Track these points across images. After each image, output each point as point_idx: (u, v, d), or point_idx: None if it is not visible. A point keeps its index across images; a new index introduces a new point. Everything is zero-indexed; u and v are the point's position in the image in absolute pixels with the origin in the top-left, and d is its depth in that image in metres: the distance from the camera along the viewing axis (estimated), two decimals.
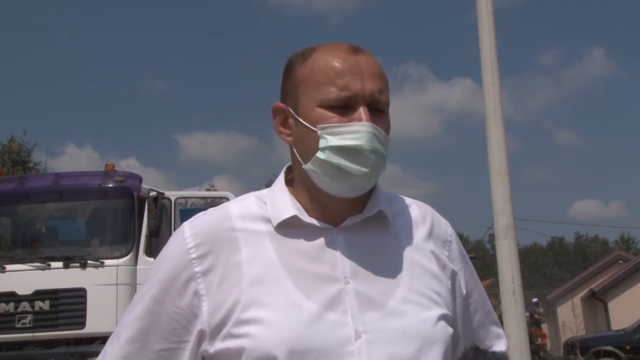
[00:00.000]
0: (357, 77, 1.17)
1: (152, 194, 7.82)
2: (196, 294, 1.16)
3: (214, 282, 1.16)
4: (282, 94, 1.27)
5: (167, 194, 8.15)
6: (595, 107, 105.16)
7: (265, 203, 1.24)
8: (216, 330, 1.14)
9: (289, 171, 1.29)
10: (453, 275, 1.29)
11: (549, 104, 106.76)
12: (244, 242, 1.19)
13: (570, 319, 18.33)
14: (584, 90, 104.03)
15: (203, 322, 1.15)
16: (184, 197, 9.17)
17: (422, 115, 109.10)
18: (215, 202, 10.59)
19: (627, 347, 14.67)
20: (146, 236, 7.48)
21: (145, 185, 7.85)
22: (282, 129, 1.25)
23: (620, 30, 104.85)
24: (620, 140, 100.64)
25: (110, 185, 7.58)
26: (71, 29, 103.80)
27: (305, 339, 1.09)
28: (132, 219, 7.51)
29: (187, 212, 8.13)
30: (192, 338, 1.16)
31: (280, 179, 1.28)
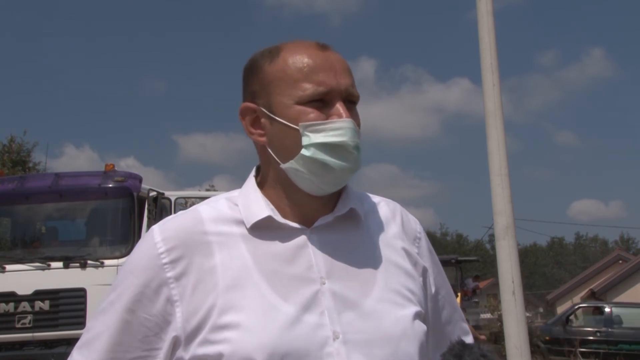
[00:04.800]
0: (330, 73, 1.17)
1: (152, 194, 7.82)
2: (169, 300, 1.14)
3: (188, 287, 1.13)
4: (248, 94, 1.24)
5: (167, 194, 8.15)
6: (594, 107, 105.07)
7: (237, 205, 1.22)
8: (191, 337, 1.12)
9: (257, 173, 1.27)
10: (424, 272, 1.29)
11: (548, 105, 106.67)
12: (217, 246, 1.16)
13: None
14: (583, 90, 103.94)
15: (177, 328, 1.13)
16: (184, 197, 9.16)
17: (421, 115, 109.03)
18: None
19: (547, 338, 15.43)
20: None
21: (145, 185, 7.85)
22: (253, 130, 1.23)
23: (620, 30, 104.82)
24: (620, 140, 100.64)
25: (110, 185, 7.58)
26: (71, 31, 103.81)
27: (284, 342, 1.08)
28: (132, 219, 7.50)
29: None
30: (165, 345, 1.14)
31: (251, 180, 1.26)
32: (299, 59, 1.18)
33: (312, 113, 1.16)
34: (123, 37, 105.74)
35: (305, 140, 1.15)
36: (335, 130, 1.15)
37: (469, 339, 1.39)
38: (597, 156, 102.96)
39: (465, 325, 1.43)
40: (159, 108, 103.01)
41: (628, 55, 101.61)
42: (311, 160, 1.15)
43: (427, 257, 1.32)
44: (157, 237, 1.18)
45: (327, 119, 1.16)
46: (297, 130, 1.16)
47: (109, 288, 1.21)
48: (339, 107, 1.16)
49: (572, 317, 16.43)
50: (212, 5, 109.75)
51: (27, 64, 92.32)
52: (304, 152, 1.15)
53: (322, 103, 1.17)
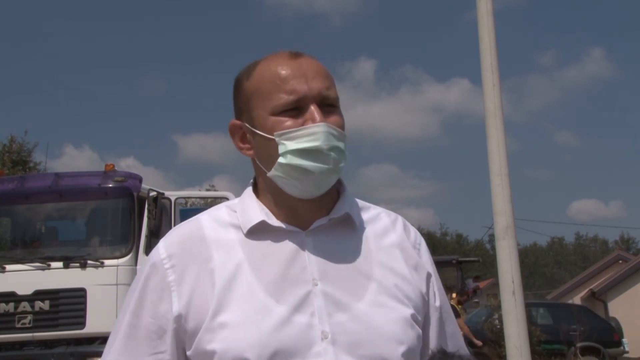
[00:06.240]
0: (302, 79, 1.21)
1: (152, 194, 7.83)
2: (170, 302, 1.20)
3: (187, 289, 1.19)
4: (235, 111, 1.31)
5: (167, 194, 8.15)
6: (594, 107, 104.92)
7: (236, 212, 1.28)
8: (190, 335, 1.17)
9: (255, 182, 1.33)
10: (428, 278, 1.32)
11: (548, 105, 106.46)
12: (215, 250, 1.22)
13: None
14: (583, 90, 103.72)
15: (179, 327, 1.18)
16: (184, 197, 9.18)
17: (421, 115, 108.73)
18: (215, 202, 10.60)
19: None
20: (146, 236, 7.48)
21: (145, 185, 7.85)
22: (242, 145, 1.29)
23: (620, 30, 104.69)
24: (620, 140, 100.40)
25: (110, 185, 7.59)
26: (72, 31, 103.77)
27: (273, 341, 1.13)
28: (132, 219, 7.51)
29: (187, 212, 8.13)
30: (169, 347, 1.20)
31: (248, 189, 1.32)
32: (270, 71, 1.24)
33: (287, 122, 1.20)
34: (123, 37, 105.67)
35: (281, 149, 1.20)
36: (308, 135, 1.19)
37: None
38: (597, 156, 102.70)
39: (462, 343, 1.44)
40: (159, 108, 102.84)
41: (628, 55, 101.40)
42: (288, 166, 1.20)
43: (430, 266, 1.35)
44: (160, 245, 1.26)
45: (303, 124, 1.20)
46: (274, 139, 1.20)
47: (125, 298, 1.28)
48: (313, 111, 1.20)
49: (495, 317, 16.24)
50: (212, 5, 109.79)
51: (27, 64, 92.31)
52: (280, 159, 1.20)
53: (297, 111, 1.21)
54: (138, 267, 7.25)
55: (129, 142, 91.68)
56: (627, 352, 16.45)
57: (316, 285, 1.19)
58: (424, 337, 1.28)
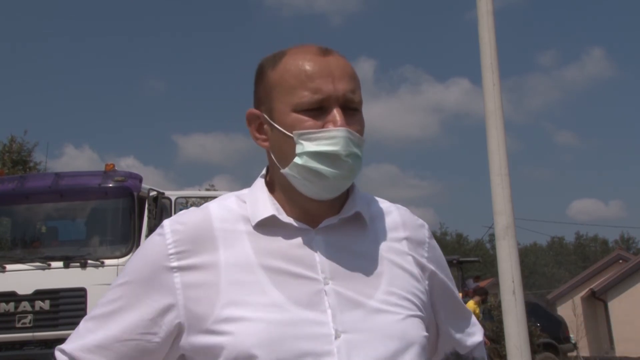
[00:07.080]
0: (328, 79, 1.18)
1: (152, 193, 7.84)
2: (171, 288, 1.17)
3: (192, 279, 1.16)
4: (255, 99, 1.27)
5: (167, 193, 8.16)
6: (594, 107, 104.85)
7: (245, 202, 1.25)
8: (194, 327, 1.15)
9: (268, 172, 1.31)
10: (432, 276, 1.31)
11: (548, 105, 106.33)
12: (222, 241, 1.19)
13: (571, 318, 18.36)
14: (583, 90, 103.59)
15: (180, 316, 1.16)
16: (184, 197, 9.17)
17: (420, 115, 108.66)
18: None
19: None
20: (146, 236, 7.48)
21: (145, 185, 7.86)
22: (258, 135, 1.26)
23: (620, 30, 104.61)
24: (620, 140, 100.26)
25: (110, 185, 7.60)
26: (72, 31, 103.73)
27: (284, 339, 1.10)
28: (132, 219, 7.52)
29: None
30: (162, 331, 1.17)
31: (260, 180, 1.29)
32: (297, 65, 1.19)
33: (308, 121, 1.17)
34: (123, 37, 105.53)
35: (298, 149, 1.17)
36: (328, 139, 1.16)
37: (478, 332, 1.41)
38: (597, 156, 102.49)
39: (479, 338, 1.43)
40: (159, 108, 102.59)
41: (628, 55, 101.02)
42: (304, 168, 1.17)
43: (435, 262, 1.33)
44: (166, 229, 1.22)
45: (323, 126, 1.17)
46: (293, 137, 1.18)
47: (120, 273, 1.25)
48: (336, 114, 1.17)
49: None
50: (212, 5, 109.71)
51: (27, 64, 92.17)
52: (296, 160, 1.17)
53: (319, 110, 1.18)
54: None
55: (129, 142, 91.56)
56: (577, 348, 16.49)
57: (327, 283, 1.17)
58: (432, 335, 1.28)
